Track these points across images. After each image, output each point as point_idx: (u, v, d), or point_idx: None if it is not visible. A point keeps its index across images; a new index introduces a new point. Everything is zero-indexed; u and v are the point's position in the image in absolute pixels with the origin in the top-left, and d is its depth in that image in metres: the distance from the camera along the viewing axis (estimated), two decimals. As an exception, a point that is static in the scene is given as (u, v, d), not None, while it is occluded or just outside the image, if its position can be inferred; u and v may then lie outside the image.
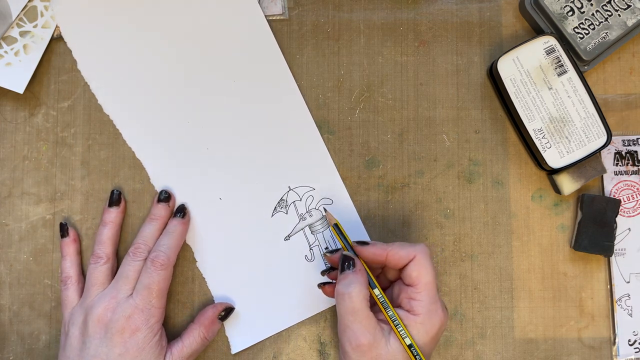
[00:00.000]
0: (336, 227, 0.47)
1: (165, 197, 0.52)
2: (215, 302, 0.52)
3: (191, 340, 0.49)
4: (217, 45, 0.53)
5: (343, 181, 0.53)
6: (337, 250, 0.48)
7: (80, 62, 0.53)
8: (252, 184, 0.53)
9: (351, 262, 0.46)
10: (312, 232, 0.53)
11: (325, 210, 0.51)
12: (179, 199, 0.53)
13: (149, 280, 0.48)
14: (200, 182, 0.53)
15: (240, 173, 0.53)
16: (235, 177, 0.53)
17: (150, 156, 0.53)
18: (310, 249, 0.53)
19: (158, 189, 0.53)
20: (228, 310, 0.51)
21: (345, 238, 0.47)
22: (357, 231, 0.53)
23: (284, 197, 0.53)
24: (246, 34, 0.53)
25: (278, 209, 0.53)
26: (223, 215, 0.53)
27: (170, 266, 0.49)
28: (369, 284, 0.45)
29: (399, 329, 0.44)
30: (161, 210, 0.51)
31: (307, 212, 0.53)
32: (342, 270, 0.45)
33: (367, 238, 0.53)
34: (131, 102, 0.53)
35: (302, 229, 0.53)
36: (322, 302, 0.52)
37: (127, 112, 0.53)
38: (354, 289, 0.44)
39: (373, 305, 0.46)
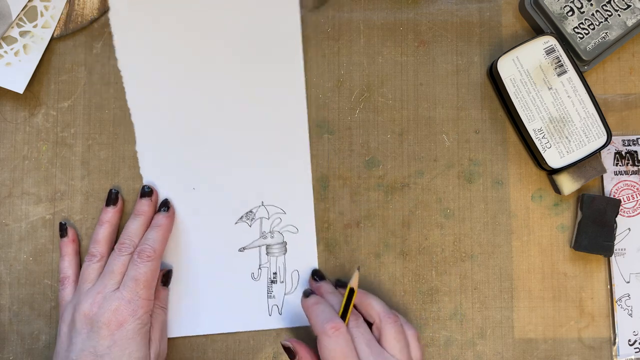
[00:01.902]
0: (352, 292, 0.47)
1: (147, 191, 0.52)
2: None
3: (153, 317, 0.50)
4: (241, 37, 0.53)
5: (343, 181, 0.53)
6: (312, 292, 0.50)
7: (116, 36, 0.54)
8: (228, 186, 0.53)
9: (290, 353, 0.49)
10: (267, 253, 0.53)
11: (358, 269, 0.50)
12: (158, 176, 0.53)
13: (136, 272, 0.48)
14: (181, 167, 0.53)
15: (221, 172, 0.53)
16: (215, 173, 0.53)
17: (143, 122, 0.53)
18: (259, 268, 0.53)
19: (142, 161, 0.53)
20: (167, 274, 0.52)
21: (347, 304, 0.47)
22: (310, 270, 0.53)
23: (254, 210, 0.53)
24: (278, 34, 0.53)
25: (244, 218, 0.53)
26: (189, 206, 0.53)
27: (157, 258, 0.49)
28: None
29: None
30: (144, 205, 0.51)
31: (270, 232, 0.53)
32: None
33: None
34: (148, 79, 0.53)
35: (259, 246, 0.53)
36: (256, 322, 0.52)
37: (142, 88, 0.53)
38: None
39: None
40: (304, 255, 0.53)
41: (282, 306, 0.53)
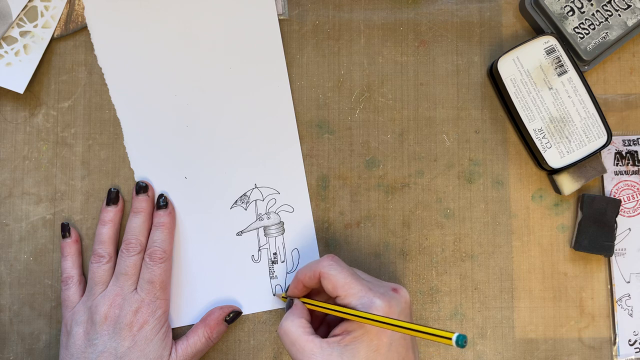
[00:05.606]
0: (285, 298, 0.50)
1: (143, 186, 0.52)
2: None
3: (195, 339, 0.50)
4: (221, 32, 0.53)
5: (343, 181, 0.53)
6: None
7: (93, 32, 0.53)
8: (220, 172, 0.53)
9: (289, 303, 0.48)
10: (265, 235, 0.53)
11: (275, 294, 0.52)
12: (148, 169, 0.53)
13: (151, 274, 0.49)
14: (171, 157, 0.53)
15: (212, 158, 0.53)
16: (206, 161, 0.53)
17: (128, 116, 0.53)
18: (259, 250, 0.53)
19: (130, 150, 0.53)
20: (236, 314, 0.52)
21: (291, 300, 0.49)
22: (310, 246, 0.53)
23: (247, 193, 0.53)
24: (255, 28, 0.53)
25: (239, 202, 0.53)
26: (183, 196, 0.53)
27: (168, 259, 0.50)
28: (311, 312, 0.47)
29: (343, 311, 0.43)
30: (142, 202, 0.51)
31: (266, 213, 0.53)
32: None
33: (317, 255, 0.53)
34: (130, 73, 0.53)
35: (257, 229, 0.53)
36: (260, 303, 0.53)
37: (125, 80, 0.53)
38: (285, 323, 0.45)
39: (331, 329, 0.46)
40: (302, 233, 0.53)
41: (286, 285, 0.53)
